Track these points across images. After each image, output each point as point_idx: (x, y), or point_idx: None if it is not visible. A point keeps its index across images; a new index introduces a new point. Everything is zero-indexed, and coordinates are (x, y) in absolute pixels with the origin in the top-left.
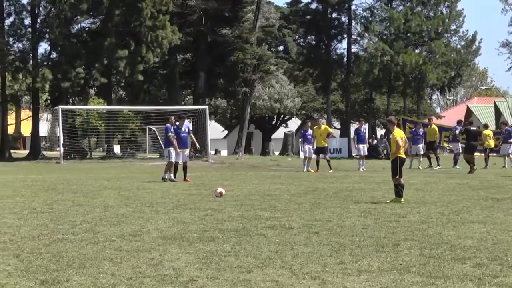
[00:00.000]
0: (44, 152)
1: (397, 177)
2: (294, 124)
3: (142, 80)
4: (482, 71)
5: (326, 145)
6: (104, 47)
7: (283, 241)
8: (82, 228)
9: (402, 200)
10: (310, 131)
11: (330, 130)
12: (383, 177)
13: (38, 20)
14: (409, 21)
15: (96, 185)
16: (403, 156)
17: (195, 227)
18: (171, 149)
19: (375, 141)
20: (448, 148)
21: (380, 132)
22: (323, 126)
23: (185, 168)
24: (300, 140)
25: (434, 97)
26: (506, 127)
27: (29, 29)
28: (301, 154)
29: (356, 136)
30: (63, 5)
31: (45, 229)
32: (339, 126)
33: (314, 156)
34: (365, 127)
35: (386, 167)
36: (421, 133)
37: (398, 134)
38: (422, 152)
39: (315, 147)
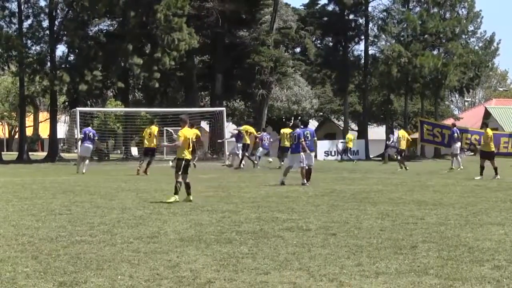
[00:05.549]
0: (62, 154)
1: (178, 173)
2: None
3: (157, 86)
4: (502, 73)
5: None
6: (120, 50)
7: (300, 243)
8: (100, 230)
9: (177, 198)
10: None
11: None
12: (401, 179)
13: (56, 22)
14: (425, 23)
15: (114, 187)
16: (189, 157)
17: (212, 229)
18: (303, 154)
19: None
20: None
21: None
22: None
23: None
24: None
25: (453, 98)
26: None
27: (47, 32)
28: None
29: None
30: (80, 7)
31: (63, 231)
32: (356, 128)
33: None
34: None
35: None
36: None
37: (183, 134)
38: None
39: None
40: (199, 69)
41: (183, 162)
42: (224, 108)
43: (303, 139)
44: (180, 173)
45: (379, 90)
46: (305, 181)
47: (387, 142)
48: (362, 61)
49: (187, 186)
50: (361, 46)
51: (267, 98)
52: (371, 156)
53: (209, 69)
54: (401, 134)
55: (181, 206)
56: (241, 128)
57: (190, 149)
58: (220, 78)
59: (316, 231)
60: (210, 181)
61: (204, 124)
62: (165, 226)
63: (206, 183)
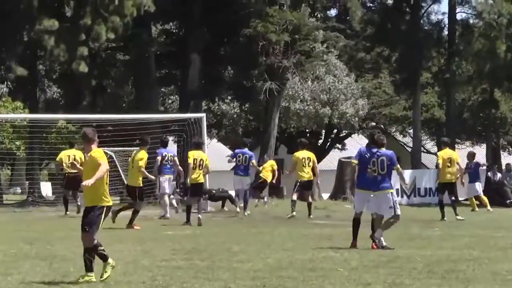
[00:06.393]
0: None
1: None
2: (356, 144)
3: (86, 71)
4: None
5: None
6: (20, 11)
7: None
8: None
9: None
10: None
11: None
12: None
13: None
14: None
15: (11, 252)
16: (110, 202)
17: None
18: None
19: (499, 175)
20: None
21: (508, 159)
22: None
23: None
24: None
25: None
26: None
27: None
28: None
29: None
30: None
31: None
32: (435, 148)
33: None
34: None
35: None
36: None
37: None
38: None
39: None
40: (161, 47)
41: (106, 210)
42: (203, 114)
43: (398, 167)
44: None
45: (475, 82)
46: (381, 239)
47: (490, 175)
48: (445, 31)
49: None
50: (443, 5)
51: (278, 96)
52: (461, 198)
53: (178, 46)
54: (445, 156)
55: (129, 286)
56: (170, 154)
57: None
58: (197, 61)
59: None
60: (180, 241)
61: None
62: None
63: (173, 244)
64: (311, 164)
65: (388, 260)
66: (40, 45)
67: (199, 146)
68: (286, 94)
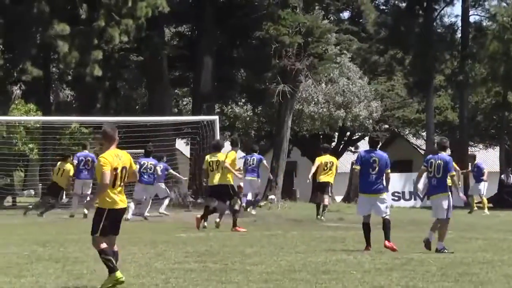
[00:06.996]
0: None
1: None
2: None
3: (100, 75)
4: None
5: None
6: (33, 14)
7: None
8: None
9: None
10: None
11: None
12: None
13: None
14: None
15: (24, 254)
16: (123, 204)
17: None
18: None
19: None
20: None
21: None
22: None
23: None
24: None
25: None
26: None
27: None
28: None
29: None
30: None
31: None
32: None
33: None
34: None
35: None
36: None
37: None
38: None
39: None
40: (173, 49)
41: (108, 213)
42: (216, 117)
43: (453, 173)
44: (102, 235)
45: (489, 85)
46: (442, 245)
47: (503, 177)
48: (459, 34)
49: (115, 257)
50: (456, 8)
51: (291, 99)
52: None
53: (191, 48)
54: None
55: None
56: (149, 162)
57: (120, 188)
58: (210, 64)
59: None
60: (193, 244)
61: (182, 144)
62: None
63: (186, 247)
64: (333, 168)
65: (402, 263)
66: (53, 48)
67: (217, 148)
68: (299, 96)
